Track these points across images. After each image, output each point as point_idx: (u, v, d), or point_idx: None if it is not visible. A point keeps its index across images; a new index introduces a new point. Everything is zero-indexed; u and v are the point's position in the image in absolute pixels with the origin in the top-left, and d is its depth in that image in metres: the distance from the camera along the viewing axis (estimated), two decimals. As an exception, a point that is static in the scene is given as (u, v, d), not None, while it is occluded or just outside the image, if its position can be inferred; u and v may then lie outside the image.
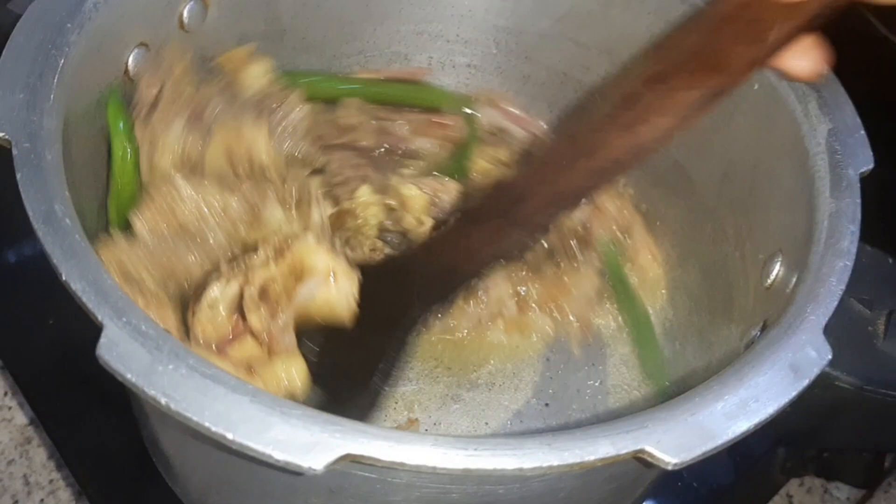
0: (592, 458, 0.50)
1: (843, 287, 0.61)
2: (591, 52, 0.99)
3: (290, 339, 0.72)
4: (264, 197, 0.80)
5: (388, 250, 0.92)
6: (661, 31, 0.91)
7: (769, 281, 0.74)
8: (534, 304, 0.94)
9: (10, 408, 1.00)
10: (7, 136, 0.61)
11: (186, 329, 0.71)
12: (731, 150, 0.87)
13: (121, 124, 0.77)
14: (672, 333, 0.97)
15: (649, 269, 1.01)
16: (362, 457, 0.49)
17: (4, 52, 0.66)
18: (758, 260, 0.79)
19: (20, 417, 1.00)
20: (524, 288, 0.94)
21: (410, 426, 0.86)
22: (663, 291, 1.00)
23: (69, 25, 0.70)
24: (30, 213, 0.57)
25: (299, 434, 0.49)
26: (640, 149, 0.60)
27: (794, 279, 0.67)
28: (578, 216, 0.97)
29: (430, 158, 1.02)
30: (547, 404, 0.91)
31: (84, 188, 0.72)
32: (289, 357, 0.71)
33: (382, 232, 0.94)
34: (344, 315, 0.74)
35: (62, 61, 0.67)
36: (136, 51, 0.80)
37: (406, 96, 1.04)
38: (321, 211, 0.83)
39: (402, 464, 0.49)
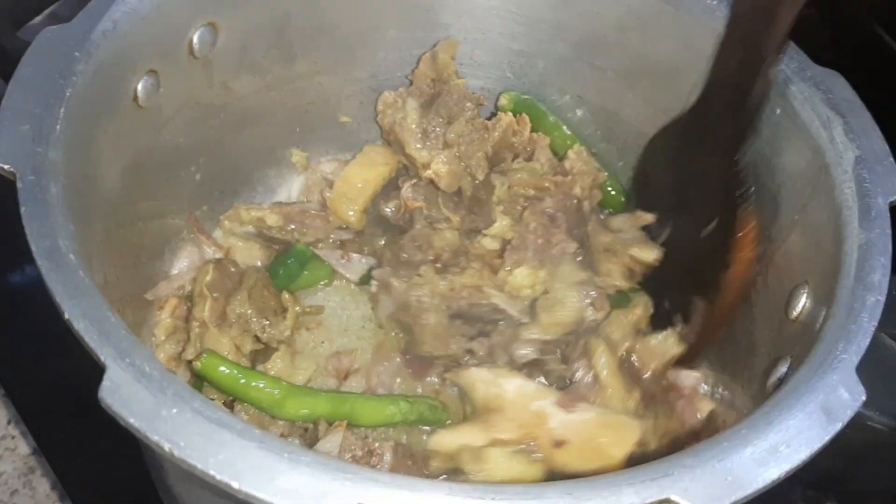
0: (616, 508, 0.47)
1: (875, 324, 0.59)
2: (608, 75, 0.97)
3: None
4: None
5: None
6: (679, 57, 0.89)
7: (795, 313, 0.71)
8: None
9: (13, 437, 0.99)
10: (12, 169, 0.59)
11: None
12: (754, 176, 0.84)
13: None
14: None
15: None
16: (374, 506, 0.47)
17: (11, 82, 0.65)
18: (781, 290, 0.76)
19: (23, 447, 0.98)
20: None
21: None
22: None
23: (77, 54, 0.69)
24: (33, 249, 0.55)
25: (308, 483, 0.47)
26: None
27: (823, 313, 0.64)
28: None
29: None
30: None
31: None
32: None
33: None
34: None
35: (69, 91, 0.66)
36: (144, 78, 0.79)
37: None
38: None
39: (416, 513, 0.47)
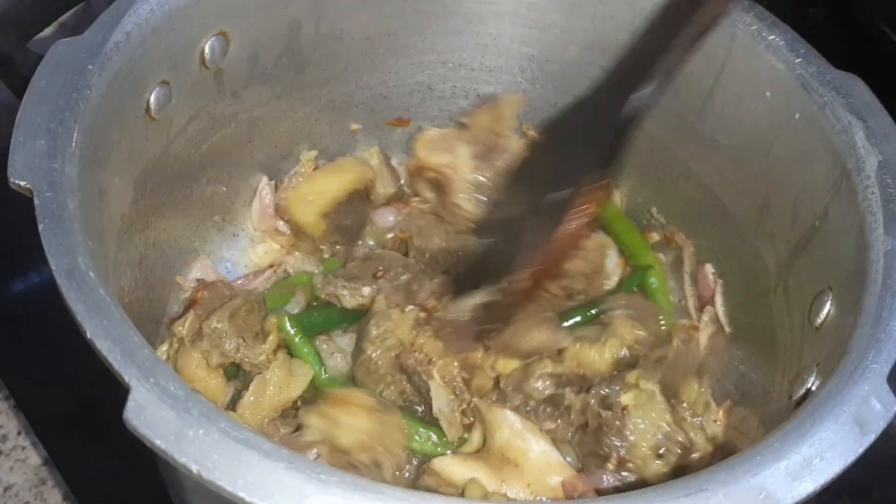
0: (647, 526, 0.47)
1: (904, 332, 0.58)
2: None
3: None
4: None
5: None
6: (691, 61, 0.88)
7: (819, 320, 0.70)
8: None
9: (23, 448, 0.98)
10: (28, 185, 0.59)
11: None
12: (770, 181, 0.84)
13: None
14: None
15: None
16: (407, 527, 0.46)
17: (25, 97, 0.64)
18: (804, 296, 0.75)
19: (34, 457, 0.97)
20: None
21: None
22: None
23: (90, 67, 0.68)
24: (53, 268, 0.55)
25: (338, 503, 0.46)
26: None
27: (848, 320, 0.63)
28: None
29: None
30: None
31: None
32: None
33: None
34: None
35: (83, 105, 0.65)
36: (157, 89, 0.78)
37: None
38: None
39: (449, 533, 0.46)
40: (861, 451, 0.52)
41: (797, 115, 0.78)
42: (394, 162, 1.09)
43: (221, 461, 0.47)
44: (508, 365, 0.85)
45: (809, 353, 0.71)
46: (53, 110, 0.64)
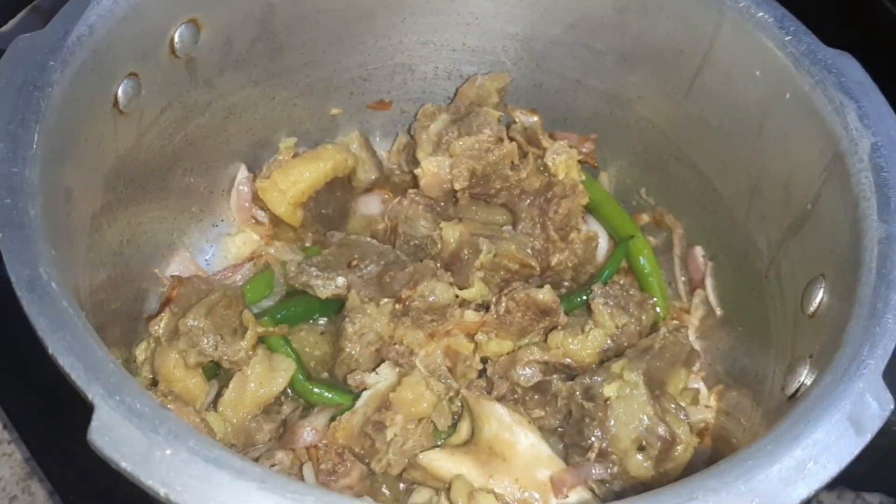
0: (637, 537, 0.45)
1: (901, 325, 0.56)
2: (607, 58, 0.93)
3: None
4: None
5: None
6: (680, 38, 0.85)
7: (812, 308, 0.69)
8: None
9: (9, 441, 0.96)
10: (-14, 192, 0.56)
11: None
12: (761, 162, 0.82)
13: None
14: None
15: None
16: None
17: (-18, 97, 0.62)
18: (797, 283, 0.73)
19: (21, 451, 0.96)
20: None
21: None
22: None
23: (52, 63, 0.65)
24: (13, 280, 0.52)
25: (313, 525, 0.44)
26: None
27: (842, 310, 0.61)
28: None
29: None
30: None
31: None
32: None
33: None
34: None
35: (44, 104, 0.63)
36: (125, 82, 0.75)
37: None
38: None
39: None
40: (857, 452, 0.50)
41: (788, 95, 0.75)
42: (376, 146, 1.07)
43: (191, 482, 0.45)
44: (502, 346, 0.84)
45: (802, 342, 0.69)
46: (12, 111, 0.61)
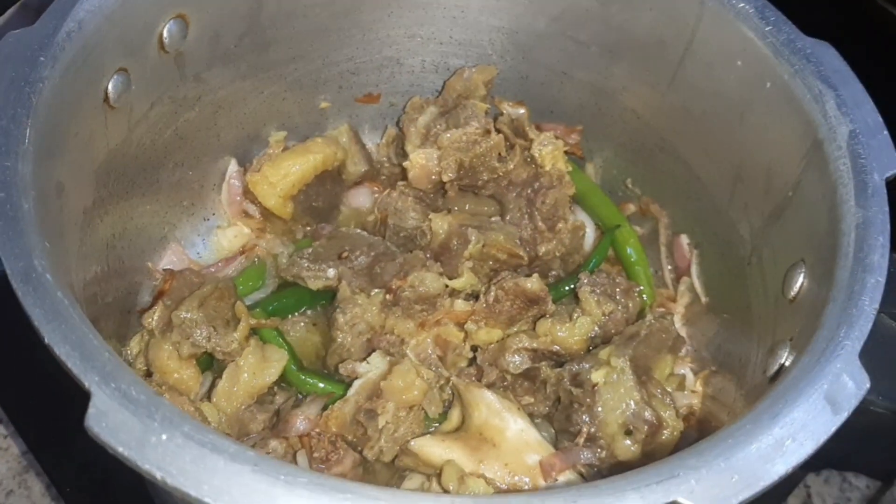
0: (621, 513, 0.46)
1: (876, 307, 0.58)
2: (592, 50, 0.95)
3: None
4: None
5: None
6: (663, 29, 0.87)
7: (793, 292, 0.70)
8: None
9: (5, 436, 0.97)
10: (-20, 186, 0.57)
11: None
12: (743, 150, 0.83)
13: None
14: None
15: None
16: (376, 526, 0.45)
17: (-26, 93, 0.62)
18: (778, 268, 0.75)
19: (17, 446, 0.96)
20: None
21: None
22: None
23: (42, 59, 0.66)
24: (8, 272, 0.53)
25: (307, 505, 0.45)
26: None
27: (821, 294, 0.63)
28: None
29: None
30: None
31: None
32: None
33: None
34: None
35: (35, 99, 0.63)
36: (115, 77, 0.76)
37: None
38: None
39: (419, 530, 0.45)
40: (833, 430, 0.52)
41: (768, 84, 0.77)
42: (365, 139, 1.08)
43: (186, 466, 0.46)
44: (491, 334, 0.85)
45: (784, 326, 0.70)
46: (4, 106, 0.62)
